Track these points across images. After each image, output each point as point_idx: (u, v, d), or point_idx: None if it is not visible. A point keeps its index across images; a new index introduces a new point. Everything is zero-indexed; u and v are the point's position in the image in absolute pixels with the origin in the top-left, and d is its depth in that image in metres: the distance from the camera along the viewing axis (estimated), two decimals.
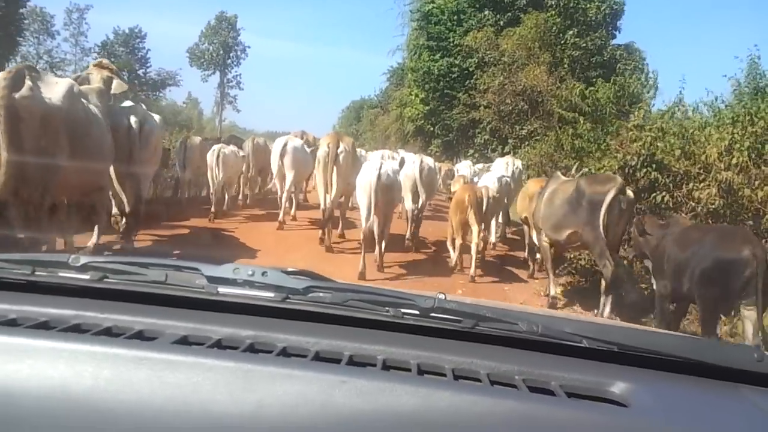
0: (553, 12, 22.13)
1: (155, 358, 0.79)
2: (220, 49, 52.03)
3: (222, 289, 1.04)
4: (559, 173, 7.86)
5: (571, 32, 21.73)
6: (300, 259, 7.54)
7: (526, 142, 20.25)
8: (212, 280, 1.04)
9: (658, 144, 7.67)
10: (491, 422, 0.73)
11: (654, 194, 7.40)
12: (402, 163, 9.67)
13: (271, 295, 1.03)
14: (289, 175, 10.32)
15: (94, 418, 0.73)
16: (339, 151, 8.52)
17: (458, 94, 25.97)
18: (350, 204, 9.97)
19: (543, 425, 0.76)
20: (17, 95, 5.11)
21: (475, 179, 12.57)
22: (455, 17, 27.00)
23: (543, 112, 20.23)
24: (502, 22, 24.11)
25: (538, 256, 8.35)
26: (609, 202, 5.96)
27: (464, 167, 16.73)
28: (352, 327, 0.98)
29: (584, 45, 21.71)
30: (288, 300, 1.01)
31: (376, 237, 7.43)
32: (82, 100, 6.11)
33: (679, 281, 4.94)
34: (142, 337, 0.91)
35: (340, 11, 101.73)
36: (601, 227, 5.96)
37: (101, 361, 0.79)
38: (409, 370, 0.87)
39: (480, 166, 16.34)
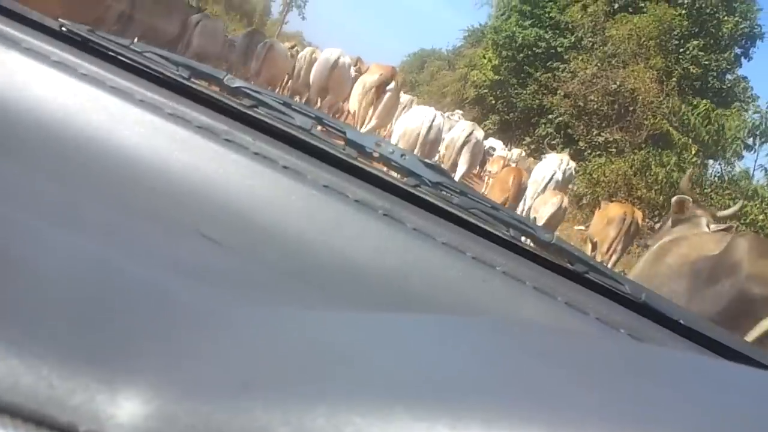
0: (683, 11, 18.21)
1: (306, 192, 0.79)
2: None
3: (360, 157, 0.99)
4: (701, 214, 4.07)
5: (696, 42, 17.86)
6: None
7: (599, 152, 16.89)
8: (352, 144, 0.98)
9: None
10: (599, 354, 0.59)
11: None
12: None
13: (404, 178, 0.99)
14: (330, 94, 9.53)
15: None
16: (389, 87, 7.65)
17: (536, 73, 22.50)
18: None
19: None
20: None
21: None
22: None
23: (632, 123, 16.71)
24: (616, 5, 20.25)
25: None
26: None
27: (497, 146, 15.48)
28: (472, 234, 0.91)
29: (706, 63, 17.86)
30: (418, 188, 0.95)
31: None
32: None
33: None
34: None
35: None
36: None
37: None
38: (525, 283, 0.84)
39: (516, 152, 14.82)
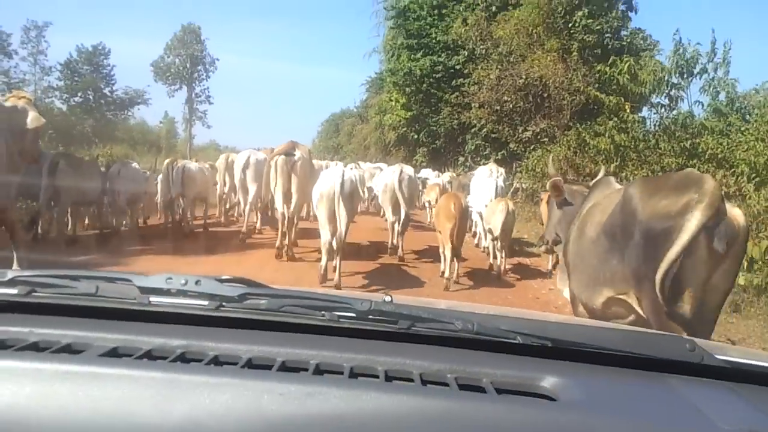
0: None
1: (79, 371, 0.78)
2: (187, 62, 48.05)
3: (154, 299, 1.03)
4: (611, 178, 4.07)
5: (580, 13, 17.88)
6: (264, 272, 7.42)
7: (532, 146, 16.46)
8: (144, 290, 1.02)
9: None
10: (420, 422, 0.72)
11: None
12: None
13: (204, 303, 1.01)
14: (252, 188, 10.08)
15: None
16: (296, 158, 8.13)
17: (445, 96, 22.49)
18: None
19: (472, 423, 0.75)
20: None
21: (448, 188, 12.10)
22: (436, 11, 23.92)
23: (552, 108, 16.44)
24: (494, 7, 20.40)
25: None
26: (690, 232, 2.57)
27: (429, 175, 15.98)
28: (287, 333, 0.96)
29: (598, 27, 17.87)
30: (221, 308, 0.99)
31: (335, 249, 6.94)
32: None
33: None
34: (69, 350, 0.89)
35: (313, 26, 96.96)
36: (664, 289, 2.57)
37: (21, 377, 0.77)
38: (341, 373, 0.86)
39: (447, 175, 15.08)
